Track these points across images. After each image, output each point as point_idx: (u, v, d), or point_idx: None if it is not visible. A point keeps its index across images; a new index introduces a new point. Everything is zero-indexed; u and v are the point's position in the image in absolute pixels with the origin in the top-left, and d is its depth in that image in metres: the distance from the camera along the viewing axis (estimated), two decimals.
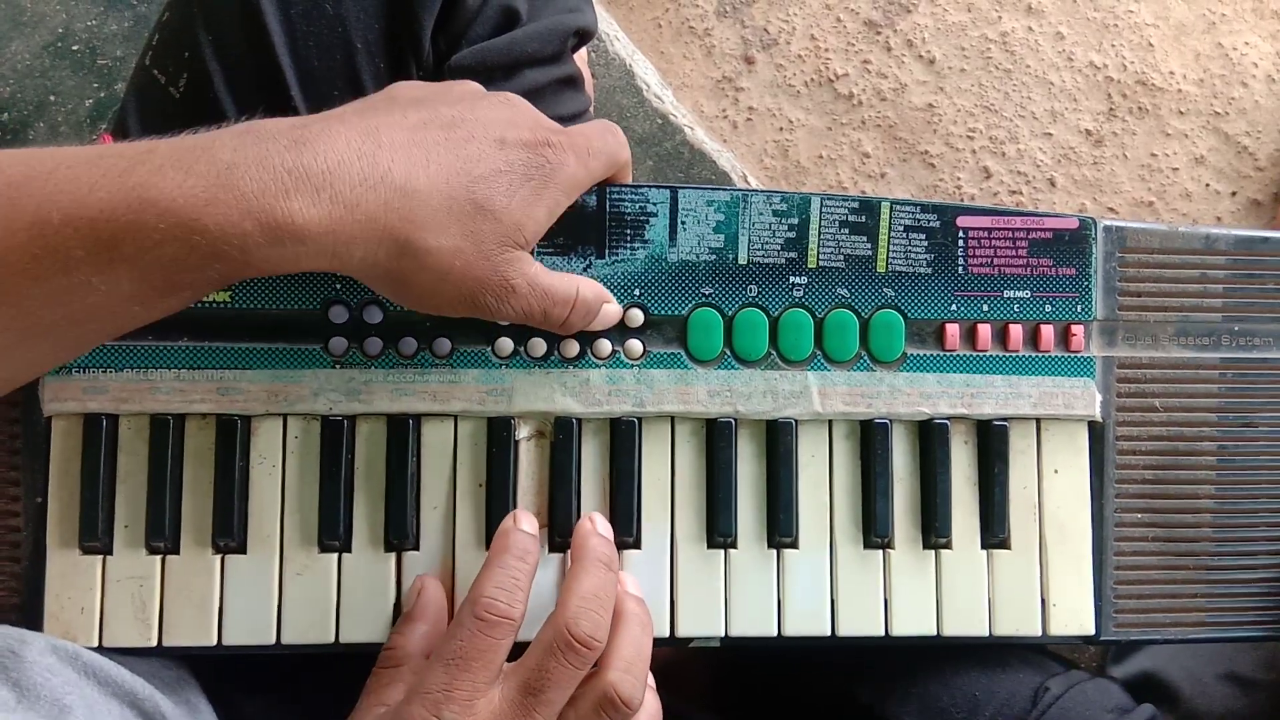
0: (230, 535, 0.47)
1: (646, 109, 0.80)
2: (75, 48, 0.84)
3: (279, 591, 0.47)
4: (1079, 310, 0.50)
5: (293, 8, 0.53)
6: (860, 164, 0.82)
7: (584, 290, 0.45)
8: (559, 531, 0.48)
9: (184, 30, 0.54)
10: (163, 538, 0.47)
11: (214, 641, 0.47)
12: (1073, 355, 0.50)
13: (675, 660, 0.48)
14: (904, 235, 0.49)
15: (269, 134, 0.38)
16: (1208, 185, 0.84)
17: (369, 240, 0.39)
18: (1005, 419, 0.50)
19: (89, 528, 0.46)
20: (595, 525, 0.47)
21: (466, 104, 0.43)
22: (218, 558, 0.47)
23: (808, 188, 0.83)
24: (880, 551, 0.49)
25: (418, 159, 0.40)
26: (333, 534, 0.47)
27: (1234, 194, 0.84)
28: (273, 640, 0.47)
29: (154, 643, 0.47)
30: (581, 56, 0.77)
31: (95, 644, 0.46)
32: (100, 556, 0.47)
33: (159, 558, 0.47)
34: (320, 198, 0.37)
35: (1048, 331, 0.49)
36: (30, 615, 0.46)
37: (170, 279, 0.37)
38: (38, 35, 0.83)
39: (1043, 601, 0.50)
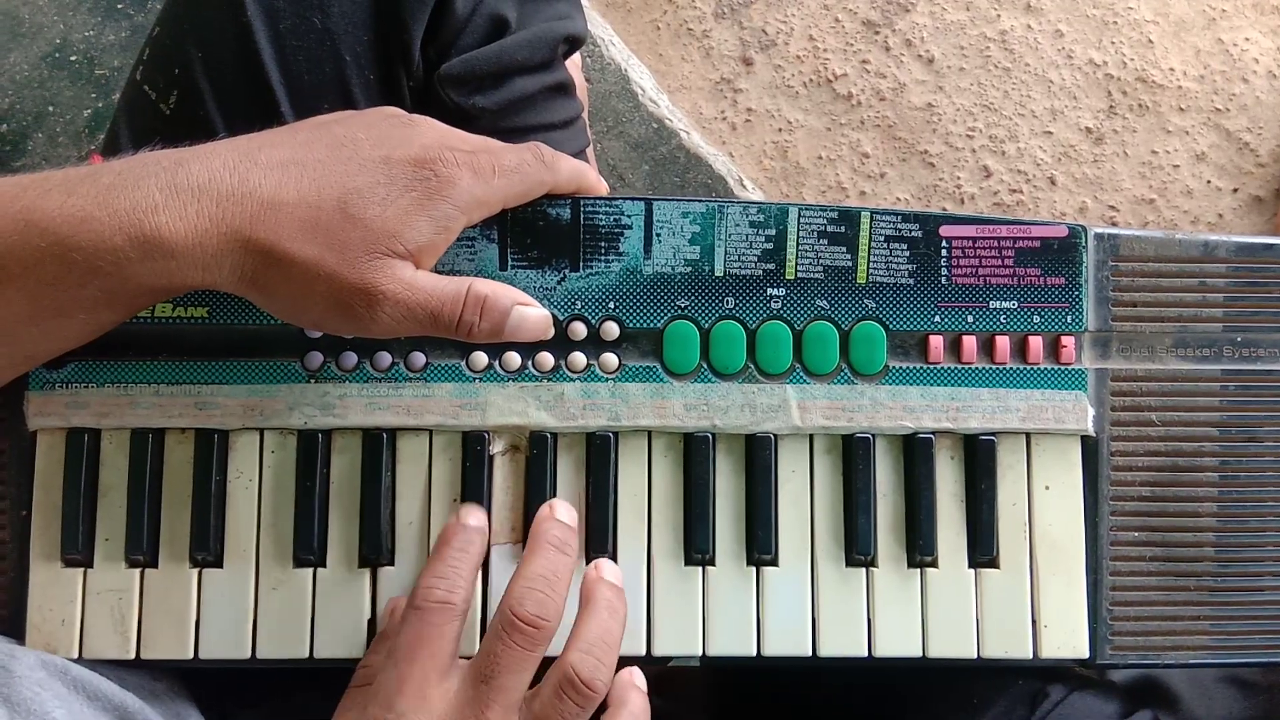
0: (207, 549, 0.47)
1: (642, 113, 0.79)
2: (73, 58, 0.86)
3: (254, 606, 0.47)
4: (1069, 321, 0.48)
5: (281, 23, 0.53)
6: (860, 164, 0.81)
7: (478, 286, 0.43)
8: None
9: (174, 46, 0.54)
10: (141, 551, 0.47)
11: (190, 655, 0.47)
12: (1063, 367, 0.48)
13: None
14: (885, 245, 0.48)
15: (155, 158, 0.40)
16: (1209, 182, 0.82)
17: (235, 252, 0.40)
18: (993, 433, 0.48)
19: (70, 540, 0.47)
20: (553, 510, 0.46)
21: (364, 125, 0.44)
22: (195, 572, 0.47)
23: (807, 188, 0.82)
24: (863, 570, 0.48)
25: (291, 175, 0.40)
26: (307, 549, 0.47)
27: (1235, 190, 0.82)
28: (248, 654, 0.47)
29: (132, 655, 0.47)
30: (575, 62, 0.77)
31: (75, 655, 0.47)
32: (81, 569, 0.47)
33: (138, 571, 0.47)
34: (187, 212, 0.39)
35: (1036, 343, 0.48)
36: (15, 627, 0.47)
37: (57, 297, 0.39)
38: (36, 46, 0.85)
39: (1034, 623, 0.48)
